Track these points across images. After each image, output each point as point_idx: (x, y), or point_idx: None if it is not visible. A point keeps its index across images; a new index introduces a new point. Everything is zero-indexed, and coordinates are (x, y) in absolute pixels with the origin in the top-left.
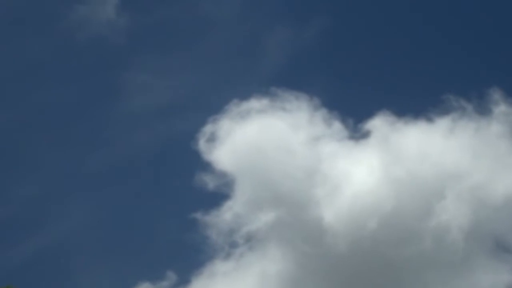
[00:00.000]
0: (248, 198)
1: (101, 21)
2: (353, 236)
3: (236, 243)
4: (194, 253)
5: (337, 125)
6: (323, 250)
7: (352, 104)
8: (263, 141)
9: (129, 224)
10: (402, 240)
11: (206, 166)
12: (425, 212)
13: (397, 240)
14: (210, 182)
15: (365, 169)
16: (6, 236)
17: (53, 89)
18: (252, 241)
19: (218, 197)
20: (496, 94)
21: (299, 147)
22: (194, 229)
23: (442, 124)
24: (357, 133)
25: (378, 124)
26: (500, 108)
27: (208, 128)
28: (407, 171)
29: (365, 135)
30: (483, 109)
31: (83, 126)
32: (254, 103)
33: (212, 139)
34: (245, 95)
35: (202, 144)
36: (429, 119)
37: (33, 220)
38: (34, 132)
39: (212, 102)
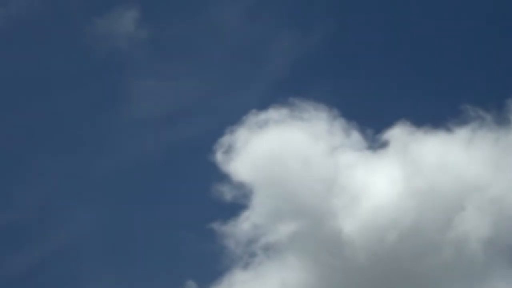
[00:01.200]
0: (266, 208)
1: (120, 34)
2: (373, 248)
3: (255, 253)
4: (213, 263)
5: (356, 135)
6: (343, 262)
7: (371, 114)
8: (281, 152)
9: (137, 231)
10: (422, 252)
11: (223, 177)
12: (444, 224)
13: (417, 252)
14: (227, 193)
15: (385, 181)
16: (11, 242)
17: (59, 95)
18: (270, 251)
19: (236, 207)
20: None
21: (318, 158)
22: (212, 239)
23: (461, 134)
24: (375, 143)
25: (397, 134)
26: None
27: (225, 139)
28: (428, 183)
29: (384, 145)
30: (502, 120)
31: (91, 131)
32: (272, 113)
33: (229, 150)
34: (263, 105)
35: (219, 155)
36: (448, 130)
37: (39, 226)
38: (40, 138)
39: (221, 108)
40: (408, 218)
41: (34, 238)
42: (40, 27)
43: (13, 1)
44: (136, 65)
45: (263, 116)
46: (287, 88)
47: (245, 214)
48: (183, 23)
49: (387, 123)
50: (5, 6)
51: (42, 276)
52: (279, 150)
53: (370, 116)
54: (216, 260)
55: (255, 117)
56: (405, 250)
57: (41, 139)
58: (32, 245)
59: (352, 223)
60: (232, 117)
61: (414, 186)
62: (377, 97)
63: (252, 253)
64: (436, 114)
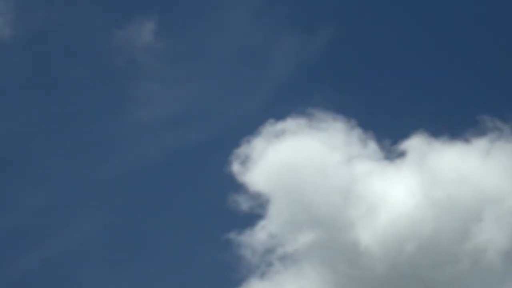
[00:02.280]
0: (283, 218)
1: (138, 45)
2: (391, 258)
3: (272, 263)
4: (230, 272)
5: (373, 146)
6: (361, 272)
7: (388, 124)
8: (298, 161)
9: (141, 236)
10: (440, 263)
11: (239, 187)
12: (462, 234)
13: (435, 263)
14: (243, 203)
15: (403, 191)
16: (13, 246)
17: (61, 98)
18: (287, 260)
19: (252, 217)
20: None
21: (334, 168)
22: (228, 249)
23: (479, 145)
24: (392, 154)
25: (414, 144)
26: None
27: (242, 149)
28: (445, 193)
29: (401, 155)
30: None
31: (93, 135)
32: (290, 123)
33: (246, 160)
34: (281, 115)
35: (236, 166)
36: (466, 140)
37: (40, 229)
38: (42, 141)
39: (230, 113)
40: (426, 228)
41: (37, 241)
42: (59, 39)
43: (34, 13)
44: (150, 72)
45: (280, 126)
46: (293, 94)
47: (262, 223)
48: (198, 34)
49: (405, 134)
50: (26, 18)
51: (45, 279)
52: (296, 160)
53: (388, 127)
54: (233, 270)
55: (272, 127)
56: (423, 261)
57: (45, 142)
58: (35, 248)
59: (369, 233)
60: (247, 126)
61: (432, 196)
62: (394, 107)
63: (268, 263)
64: (453, 125)
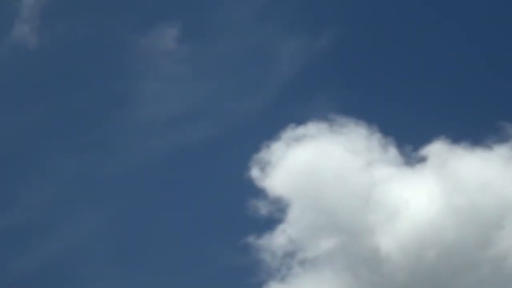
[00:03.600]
0: (303, 222)
1: (161, 51)
2: (412, 266)
3: (291, 267)
4: (249, 276)
5: (393, 151)
6: (382, 279)
7: (409, 130)
8: (318, 166)
9: (143, 235)
10: (461, 270)
11: (258, 192)
12: (483, 242)
13: (456, 270)
14: (263, 207)
15: (424, 198)
16: (16, 242)
17: (65, 95)
18: (307, 265)
19: (271, 221)
20: None
21: (354, 173)
22: (247, 253)
23: (501, 152)
24: (413, 160)
25: (435, 150)
26: None
27: (262, 154)
28: (467, 201)
29: (422, 161)
30: None
31: (96, 132)
32: (310, 128)
33: (265, 165)
34: (302, 120)
35: (254, 172)
36: (487, 147)
37: (45, 226)
38: (46, 138)
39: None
40: (447, 235)
41: (40, 239)
42: (83, 47)
43: (60, 22)
44: (158, 71)
45: (301, 130)
46: (298, 94)
47: (281, 227)
48: (225, 41)
49: (426, 139)
50: (52, 26)
51: (48, 276)
52: (316, 165)
53: (409, 132)
54: (252, 273)
55: (293, 132)
56: (443, 268)
57: (50, 139)
58: (38, 246)
59: (390, 239)
60: (268, 130)
61: (453, 203)
62: (416, 113)
63: (288, 267)
64: (475, 131)
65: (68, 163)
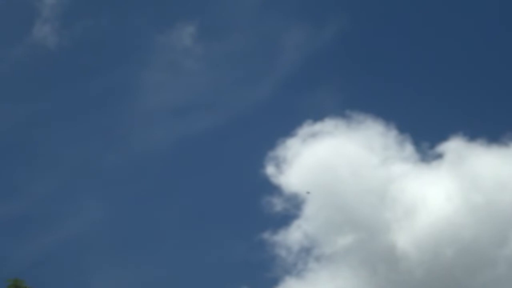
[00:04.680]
0: (319, 218)
1: (178, 48)
2: (429, 263)
3: (307, 262)
4: (264, 272)
5: (410, 148)
6: (399, 276)
7: (426, 127)
8: (335, 163)
9: (147, 224)
10: (478, 267)
11: (274, 188)
12: (501, 240)
13: (473, 267)
14: (277, 204)
15: (441, 195)
16: (21, 232)
17: (69, 86)
18: (323, 260)
19: (287, 218)
20: None
21: (371, 169)
22: (262, 249)
23: None
24: (429, 157)
25: (451, 147)
26: None
27: (277, 151)
28: (485, 199)
29: (438, 158)
30: None
31: (101, 122)
32: (327, 125)
33: (281, 161)
34: (319, 116)
35: (271, 169)
36: (504, 144)
37: (48, 215)
38: (50, 129)
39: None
40: (465, 234)
41: (43, 228)
42: (101, 46)
43: (80, 21)
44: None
45: (318, 127)
46: (301, 85)
47: (297, 223)
48: (240, 38)
49: (442, 137)
50: (71, 26)
51: (49, 265)
52: (332, 161)
53: (425, 129)
54: (268, 269)
55: (309, 128)
56: (461, 266)
57: (55, 129)
58: (41, 235)
59: (406, 237)
60: (284, 127)
61: (471, 201)
62: (432, 110)
63: (304, 262)
64: (491, 128)
65: (74, 153)
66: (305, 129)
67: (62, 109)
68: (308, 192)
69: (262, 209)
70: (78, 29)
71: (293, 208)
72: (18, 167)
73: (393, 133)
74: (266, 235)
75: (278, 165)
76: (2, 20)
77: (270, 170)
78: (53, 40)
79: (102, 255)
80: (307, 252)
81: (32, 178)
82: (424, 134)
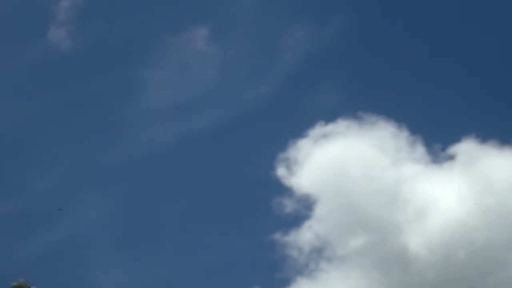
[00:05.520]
0: (330, 219)
1: (190, 51)
2: (441, 265)
3: (319, 262)
4: (275, 272)
5: (421, 149)
6: (410, 278)
7: (437, 128)
8: (346, 164)
9: (149, 221)
10: (490, 269)
11: (285, 190)
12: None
13: (485, 269)
14: (288, 205)
15: (453, 196)
16: (22, 229)
17: (71, 85)
18: (335, 261)
19: (298, 218)
20: None
21: (382, 171)
22: (273, 249)
23: None
24: (441, 158)
25: (463, 149)
26: None
27: (289, 152)
28: (498, 201)
29: (450, 160)
30: None
31: (104, 121)
32: (339, 126)
33: (292, 163)
34: (331, 117)
35: (281, 171)
36: None
37: (49, 213)
38: (52, 127)
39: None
40: (477, 236)
41: (46, 226)
42: (117, 49)
43: (94, 24)
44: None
45: (329, 128)
46: (303, 82)
47: (308, 223)
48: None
49: (454, 138)
50: (84, 29)
51: (54, 261)
52: (343, 162)
53: (437, 131)
54: (279, 270)
55: (321, 129)
56: (473, 268)
57: (57, 127)
58: (43, 233)
59: (418, 239)
60: (296, 127)
61: (483, 204)
62: (444, 112)
63: (316, 262)
64: (504, 130)
65: (75, 151)
66: (317, 130)
67: (64, 108)
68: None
69: (273, 210)
70: (92, 32)
71: (304, 209)
72: (19, 165)
73: (404, 135)
74: (277, 236)
75: (289, 167)
76: (18, 23)
77: (281, 171)
78: (67, 44)
79: (104, 254)
80: (319, 253)
81: (34, 176)
82: (436, 135)
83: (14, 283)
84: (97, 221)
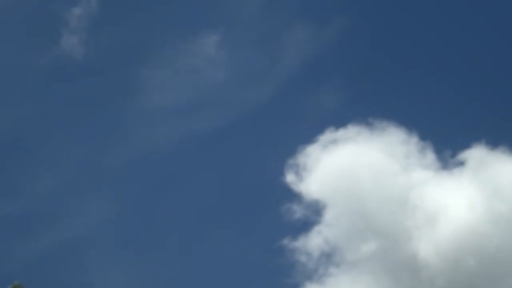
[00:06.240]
0: (339, 225)
1: (200, 56)
2: (451, 272)
3: (328, 268)
4: (285, 277)
5: (431, 156)
6: (420, 285)
7: (447, 135)
8: (356, 169)
9: (149, 223)
10: (500, 276)
11: (294, 196)
12: None
13: (496, 276)
14: (297, 211)
15: (464, 203)
16: (23, 230)
17: (71, 85)
18: (344, 267)
19: (307, 223)
20: None
21: (392, 176)
22: (282, 255)
23: None
24: (451, 164)
25: (473, 155)
26: None
27: (299, 158)
28: (508, 207)
29: (459, 166)
30: None
31: (102, 122)
32: (349, 131)
33: (301, 168)
34: (341, 123)
35: (290, 176)
36: None
37: (50, 214)
38: (53, 127)
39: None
40: (488, 243)
41: (45, 226)
42: (129, 57)
43: (107, 31)
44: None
45: (339, 133)
46: (305, 83)
47: (317, 228)
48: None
49: (464, 144)
50: (96, 38)
51: (55, 262)
52: (353, 168)
53: (447, 137)
54: (288, 275)
55: (331, 134)
56: (484, 275)
57: (58, 128)
58: (43, 233)
59: (428, 245)
60: (305, 134)
61: (494, 210)
62: (454, 118)
63: (325, 268)
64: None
65: (76, 152)
66: (327, 136)
67: (66, 109)
68: None
69: (282, 216)
70: (104, 39)
71: (313, 214)
72: (19, 166)
73: (414, 141)
74: (286, 241)
75: (298, 173)
76: (30, 31)
77: (290, 177)
78: (80, 51)
79: (104, 255)
80: (328, 258)
81: (34, 177)
82: (446, 141)
83: (9, 286)
84: (97, 222)
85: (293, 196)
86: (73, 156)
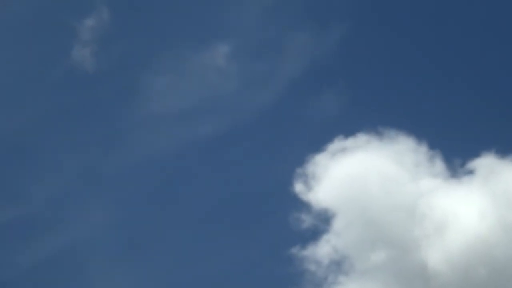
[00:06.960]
0: (348, 233)
1: (211, 68)
2: (461, 282)
3: (337, 277)
4: (295, 286)
5: (440, 164)
6: None
7: (456, 143)
8: (365, 178)
9: (149, 229)
10: (511, 285)
11: (303, 205)
12: None
13: (507, 286)
14: (306, 220)
15: (473, 212)
16: (23, 236)
17: (72, 90)
18: (353, 275)
19: (316, 232)
20: None
21: (401, 186)
22: (291, 264)
23: None
24: (461, 173)
25: (483, 163)
26: None
27: (307, 167)
28: None
29: (469, 175)
30: None
31: (102, 127)
32: (358, 140)
33: (310, 177)
34: (350, 132)
35: (299, 186)
36: None
37: (52, 220)
38: (53, 133)
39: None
40: (498, 252)
41: (46, 233)
42: (140, 69)
43: (118, 43)
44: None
45: (348, 142)
46: (306, 89)
47: (326, 237)
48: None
49: (474, 153)
50: (108, 50)
51: (54, 269)
52: (362, 176)
53: (457, 146)
54: (297, 284)
55: (339, 143)
56: (494, 285)
57: (57, 134)
58: (44, 240)
59: (438, 255)
60: (315, 142)
61: (504, 220)
62: (464, 126)
63: (334, 276)
64: None
65: (76, 158)
66: (335, 145)
67: (71, 116)
68: None
69: (290, 225)
70: (115, 51)
71: (322, 223)
72: (20, 172)
73: (423, 149)
74: (294, 250)
75: (307, 182)
76: (42, 42)
77: (298, 187)
78: (91, 64)
79: (105, 262)
80: (337, 267)
81: (35, 183)
82: (455, 150)
83: None
84: (100, 228)
85: (301, 205)
86: (76, 162)
